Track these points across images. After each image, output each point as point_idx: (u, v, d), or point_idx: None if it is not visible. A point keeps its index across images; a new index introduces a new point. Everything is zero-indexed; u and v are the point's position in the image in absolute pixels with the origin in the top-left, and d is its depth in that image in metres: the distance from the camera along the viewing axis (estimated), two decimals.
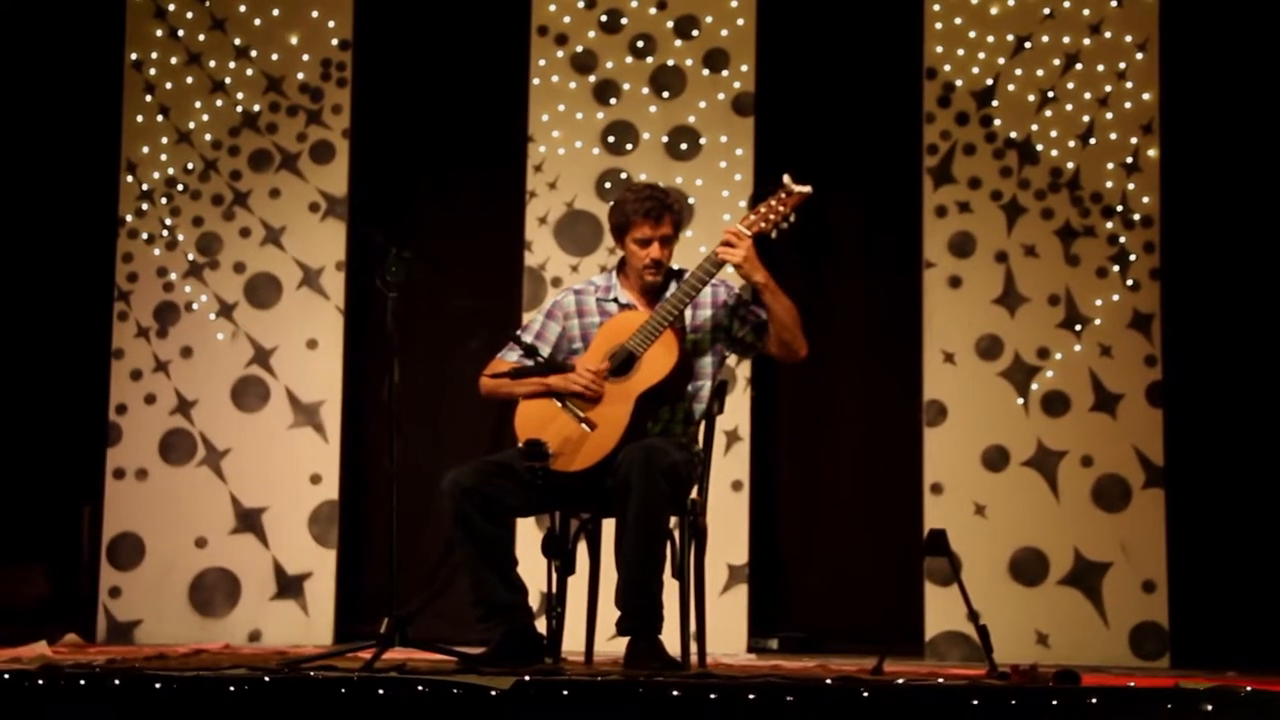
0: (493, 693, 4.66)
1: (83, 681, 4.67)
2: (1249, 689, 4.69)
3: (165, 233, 8.85)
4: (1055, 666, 5.75)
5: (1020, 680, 5.41)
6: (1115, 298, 8.50)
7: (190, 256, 8.83)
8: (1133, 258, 8.51)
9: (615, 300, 6.24)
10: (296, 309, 8.80)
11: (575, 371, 6.01)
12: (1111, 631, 8.32)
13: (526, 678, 4.80)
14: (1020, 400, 8.50)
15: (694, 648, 6.17)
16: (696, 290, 6.03)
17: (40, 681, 4.74)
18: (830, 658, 7.83)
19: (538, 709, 4.72)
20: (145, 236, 8.85)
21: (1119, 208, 8.54)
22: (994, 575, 8.36)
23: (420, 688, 4.68)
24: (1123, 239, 8.53)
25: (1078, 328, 8.51)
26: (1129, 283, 8.50)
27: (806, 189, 6.07)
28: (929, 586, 8.35)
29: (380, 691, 4.68)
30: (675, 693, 4.71)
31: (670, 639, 5.96)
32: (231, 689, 4.65)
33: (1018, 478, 8.46)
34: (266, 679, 4.72)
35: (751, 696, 4.71)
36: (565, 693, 4.74)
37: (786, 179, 6.09)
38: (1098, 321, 8.50)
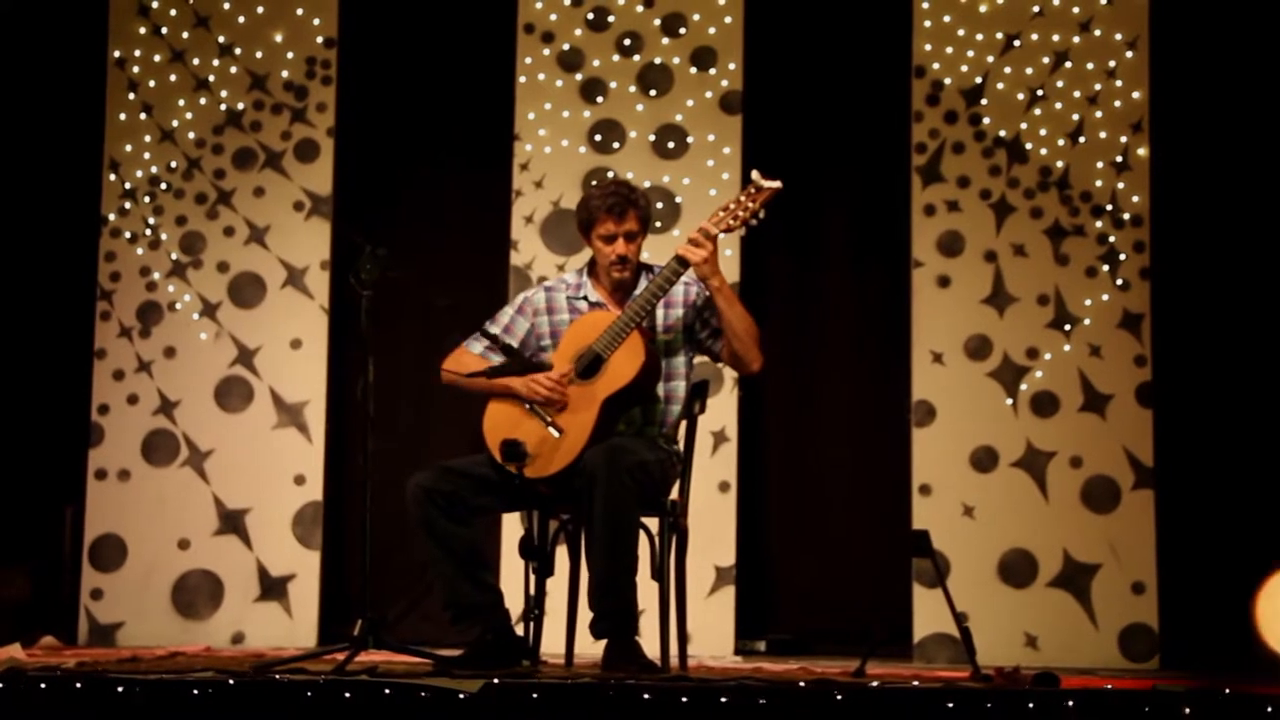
0: (460, 696, 4.61)
1: (43, 685, 4.60)
2: (1227, 691, 4.63)
3: (148, 232, 8.79)
4: (1041, 669, 5.69)
5: (1001, 683, 5.35)
6: (1105, 297, 8.44)
7: (173, 256, 8.77)
8: (1122, 257, 8.45)
9: (585, 298, 6.19)
10: (280, 309, 8.74)
11: (539, 378, 5.96)
12: (1101, 634, 8.26)
13: (495, 680, 4.75)
14: (1009, 400, 8.44)
15: (677, 650, 6.13)
16: (664, 290, 5.98)
17: (2, 685, 4.68)
18: (816, 660, 7.78)
19: (507, 712, 4.67)
20: (128, 235, 8.80)
21: (1108, 207, 8.48)
22: (982, 577, 8.31)
23: (387, 691, 4.62)
24: (1112, 238, 8.47)
25: (1067, 327, 8.45)
26: (1118, 282, 8.44)
27: (776, 185, 5.99)
28: (917, 588, 8.29)
29: (347, 695, 4.62)
30: (646, 695, 4.66)
31: (653, 641, 5.92)
32: (195, 692, 4.60)
33: (1006, 479, 8.40)
34: (231, 682, 4.66)
35: (723, 699, 4.66)
36: (535, 695, 4.69)
37: (755, 175, 6.02)
38: (1087, 321, 8.44)
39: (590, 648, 6.10)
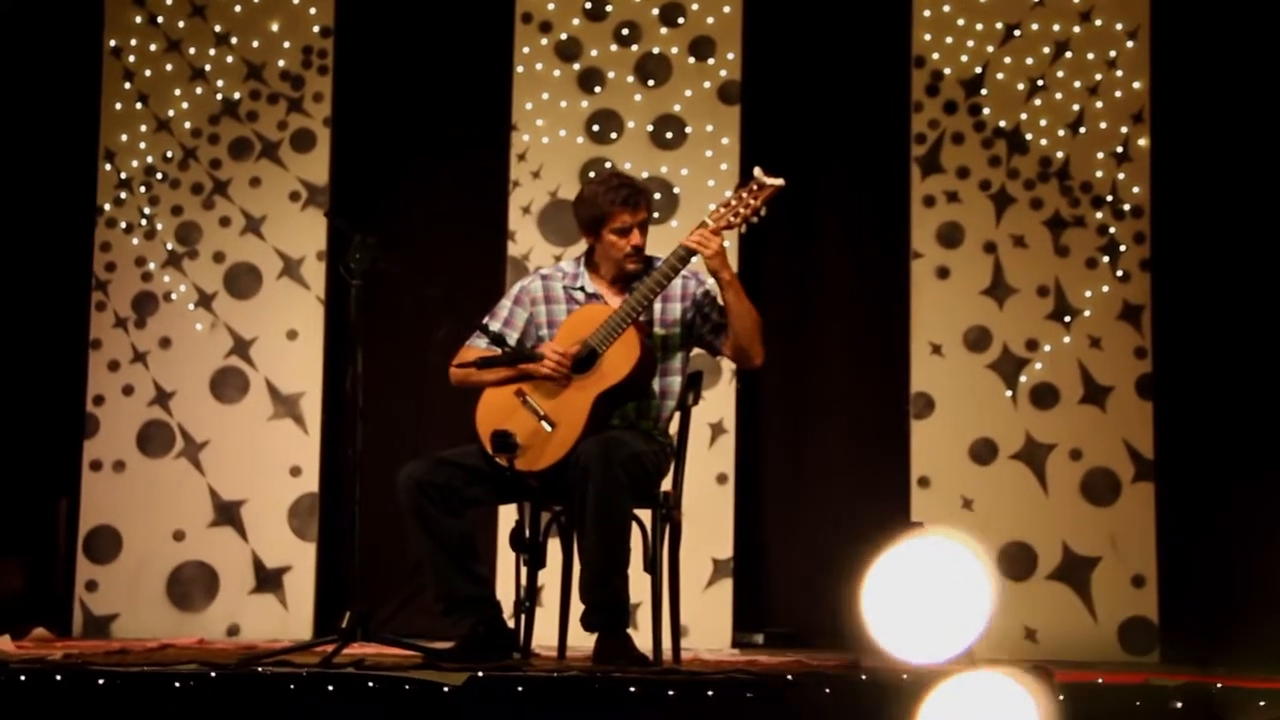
0: (444, 689, 4.57)
1: (24, 677, 4.56)
2: (1220, 685, 4.59)
3: (144, 222, 8.75)
4: (1040, 662, 5.66)
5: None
6: (1105, 289, 8.39)
7: (169, 246, 8.74)
8: (1123, 248, 8.40)
9: (582, 289, 6.15)
10: (276, 299, 8.70)
11: (548, 351, 5.94)
12: (1100, 627, 8.21)
13: (480, 673, 4.71)
14: (1009, 392, 8.39)
15: (670, 643, 6.10)
16: (664, 284, 5.94)
17: None
18: (814, 653, 7.73)
19: (492, 705, 4.63)
20: (123, 225, 8.76)
21: (1109, 198, 8.43)
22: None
23: (371, 684, 4.58)
24: (1113, 229, 8.42)
25: (1067, 319, 8.40)
26: (1119, 274, 8.39)
27: (779, 182, 5.96)
28: None
29: (330, 688, 4.59)
30: (632, 688, 4.62)
31: (648, 634, 5.90)
32: (177, 685, 4.56)
33: (1006, 471, 8.35)
34: (213, 675, 4.62)
35: (710, 693, 4.62)
36: (520, 688, 4.66)
37: (758, 172, 5.99)
38: (1087, 313, 8.39)
39: (584, 641, 6.07)
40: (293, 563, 8.55)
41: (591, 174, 8.46)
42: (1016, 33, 8.56)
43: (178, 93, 8.83)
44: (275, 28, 8.84)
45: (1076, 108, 8.49)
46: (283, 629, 8.40)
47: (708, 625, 8.20)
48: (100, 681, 4.55)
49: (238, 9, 8.84)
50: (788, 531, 8.84)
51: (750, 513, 8.66)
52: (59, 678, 4.58)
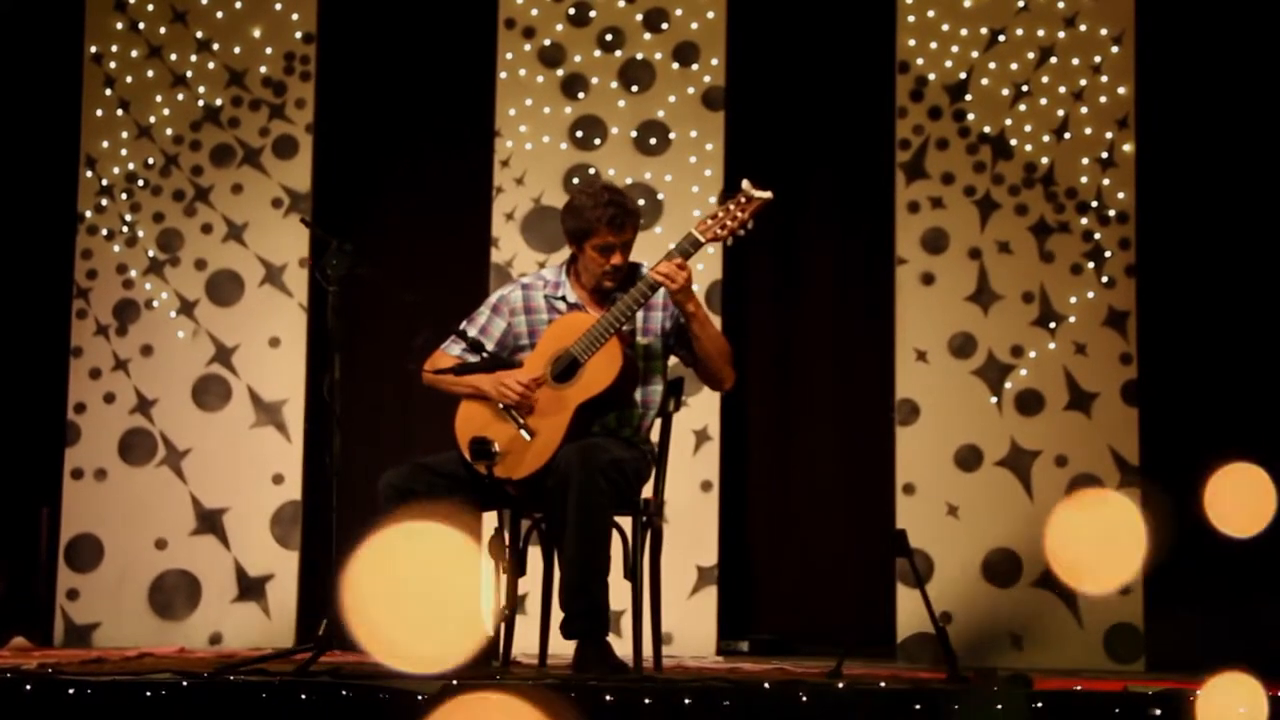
0: (419, 697, 4.53)
1: None
2: (1198, 693, 4.55)
3: (125, 229, 8.72)
4: (1024, 670, 5.62)
5: (977, 684, 5.27)
6: (1090, 295, 8.37)
7: (151, 253, 8.70)
8: (1108, 254, 8.38)
9: (563, 299, 6.10)
10: (258, 306, 8.67)
11: (509, 382, 5.89)
12: (1086, 634, 8.18)
13: (455, 682, 4.67)
14: (994, 399, 8.37)
15: (654, 651, 6.07)
16: (643, 300, 5.89)
17: None
18: (799, 660, 7.71)
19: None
20: (105, 233, 8.73)
21: (1094, 203, 8.41)
22: (967, 576, 8.23)
23: (344, 692, 4.55)
24: (1098, 235, 8.40)
25: (1052, 325, 8.38)
26: (1104, 279, 8.37)
27: (767, 195, 5.91)
28: (900, 588, 8.21)
29: (303, 696, 4.55)
30: (608, 697, 4.58)
31: (630, 641, 5.88)
32: (149, 694, 4.52)
33: (991, 478, 8.33)
34: (185, 684, 4.58)
35: (688, 701, 4.59)
36: None
37: (746, 184, 5.93)
38: (1072, 319, 8.37)
39: (565, 649, 6.03)
40: (275, 571, 8.52)
41: (585, 180, 8.41)
42: (1001, 38, 8.54)
43: (159, 99, 8.80)
44: (257, 34, 8.82)
45: (1061, 113, 8.47)
46: (265, 638, 8.35)
47: (693, 633, 8.18)
48: (70, 691, 4.51)
49: (219, 15, 8.82)
50: (773, 538, 8.81)
51: (735, 520, 8.63)
52: (29, 687, 4.54)
